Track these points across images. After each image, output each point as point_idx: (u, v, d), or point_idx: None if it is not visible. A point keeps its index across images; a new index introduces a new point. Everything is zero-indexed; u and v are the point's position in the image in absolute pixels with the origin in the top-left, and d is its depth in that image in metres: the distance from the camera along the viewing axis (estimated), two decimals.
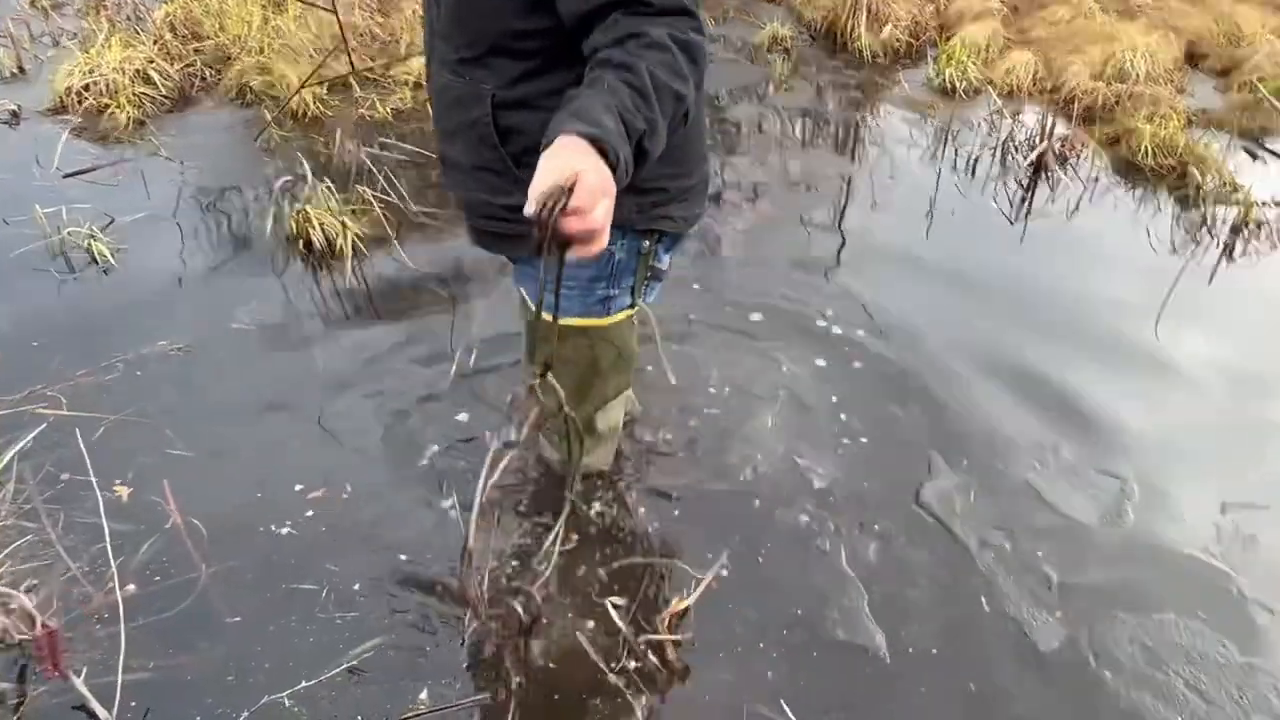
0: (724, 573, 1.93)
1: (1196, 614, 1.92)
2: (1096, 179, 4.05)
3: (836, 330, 2.81)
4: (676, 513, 2.12)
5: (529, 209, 1.01)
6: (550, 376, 1.28)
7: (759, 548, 2.03)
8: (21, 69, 4.45)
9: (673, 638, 1.76)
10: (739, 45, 5.94)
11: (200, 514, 2.00)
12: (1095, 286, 3.19)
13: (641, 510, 2.11)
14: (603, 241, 1.04)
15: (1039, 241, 3.53)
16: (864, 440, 2.38)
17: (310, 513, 2.06)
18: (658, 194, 1.53)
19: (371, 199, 3.21)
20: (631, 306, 1.68)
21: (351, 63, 4.18)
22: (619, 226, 1.47)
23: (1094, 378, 2.67)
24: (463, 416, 2.37)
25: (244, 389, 2.43)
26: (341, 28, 2.09)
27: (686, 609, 1.79)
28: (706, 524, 2.09)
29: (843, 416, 2.45)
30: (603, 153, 1.04)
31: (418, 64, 4.44)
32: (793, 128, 4.58)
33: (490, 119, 1.41)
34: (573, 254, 1.04)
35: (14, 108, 3.98)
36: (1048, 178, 4.08)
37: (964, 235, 3.54)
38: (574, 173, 0.99)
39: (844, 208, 3.72)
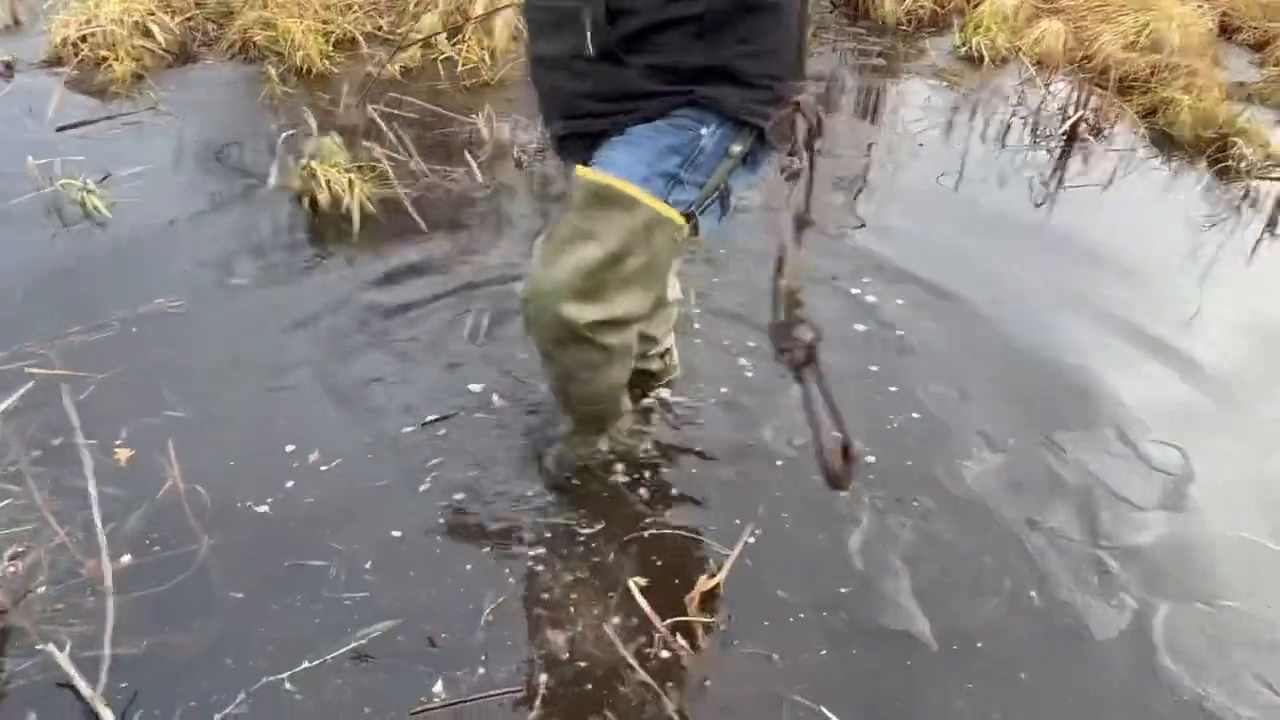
0: (755, 549, 1.80)
1: (1264, 602, 1.80)
2: (1132, 150, 3.90)
3: (870, 298, 2.68)
4: (704, 483, 1.99)
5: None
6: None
7: (792, 523, 1.90)
8: (17, 20, 4.29)
9: (703, 619, 1.64)
10: None
11: (199, 480, 1.88)
12: (1132, 260, 3.05)
13: (668, 480, 1.98)
14: None
15: (1071, 213, 3.39)
16: (904, 413, 2.24)
17: (314, 481, 1.94)
18: (763, 91, 1.46)
19: (381, 155, 3.07)
20: (687, 217, 1.53)
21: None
22: (716, 111, 1.46)
23: (1139, 356, 2.54)
24: (474, 386, 2.24)
25: (244, 349, 2.30)
26: None
27: (716, 587, 1.67)
28: (737, 496, 1.96)
29: (881, 387, 2.32)
30: None
31: (428, 20, 4.27)
32: (816, 96, 4.42)
33: None
34: None
35: (8, 59, 3.82)
36: (1081, 148, 3.93)
37: (994, 206, 3.40)
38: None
39: (870, 177, 3.57)
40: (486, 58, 4.16)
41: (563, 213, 1.56)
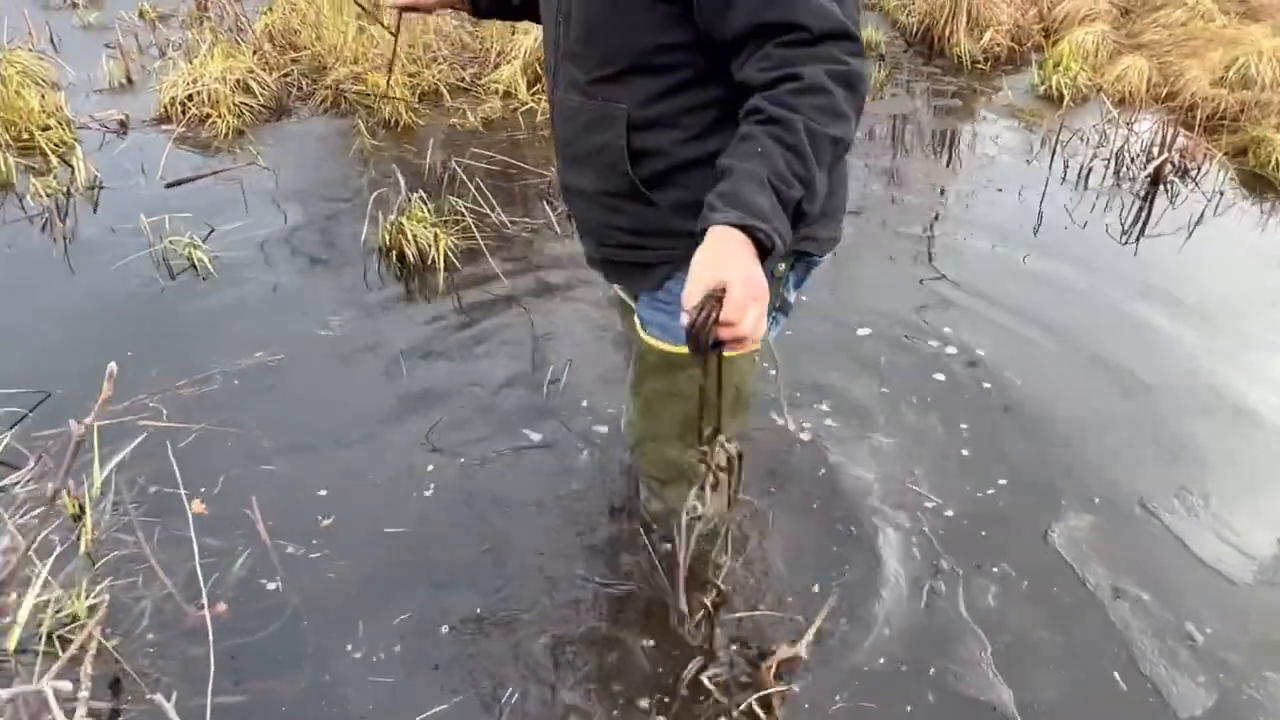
0: (831, 616, 1.81)
1: None
2: (1221, 193, 3.79)
3: (950, 350, 2.67)
4: (780, 543, 2.01)
5: (683, 320, 1.06)
6: (721, 439, 1.30)
7: (870, 587, 1.90)
8: (130, 79, 4.59)
9: (780, 688, 1.65)
10: None
11: (292, 530, 1.98)
12: (1223, 309, 2.96)
13: (741, 539, 2.00)
14: (756, 340, 1.07)
15: (1158, 260, 3.30)
16: (985, 471, 2.23)
17: (403, 532, 2.02)
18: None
19: (463, 209, 3.18)
20: (780, 313, 1.55)
21: (388, 78, 4.16)
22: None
23: (1235, 417, 2.46)
24: (551, 434, 2.30)
25: (337, 401, 2.41)
26: (395, 46, 2.06)
27: (796, 656, 1.68)
28: (813, 558, 1.97)
29: (961, 445, 2.31)
30: (758, 241, 1.05)
31: (508, 72, 4.42)
32: (889, 137, 4.42)
33: (624, 141, 1.32)
34: (728, 350, 1.08)
35: (122, 117, 4.09)
36: (1166, 190, 3.84)
37: (1076, 252, 3.33)
38: (722, 283, 1.03)
39: (946, 221, 3.55)
40: None
41: (638, 365, 1.60)
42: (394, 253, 3.01)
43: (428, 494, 2.12)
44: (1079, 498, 2.15)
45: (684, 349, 1.44)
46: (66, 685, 1.20)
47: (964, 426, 2.37)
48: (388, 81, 4.12)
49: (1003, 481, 2.19)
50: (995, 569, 1.95)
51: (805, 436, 2.31)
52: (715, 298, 1.03)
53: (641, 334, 1.55)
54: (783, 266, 1.45)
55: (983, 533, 2.05)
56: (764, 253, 1.07)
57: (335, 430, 2.31)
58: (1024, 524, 2.07)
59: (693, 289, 1.05)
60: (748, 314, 1.04)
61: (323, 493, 2.11)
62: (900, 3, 6.21)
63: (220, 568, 1.91)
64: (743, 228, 1.05)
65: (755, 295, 1.05)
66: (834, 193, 1.45)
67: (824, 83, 1.11)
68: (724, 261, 1.05)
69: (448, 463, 2.21)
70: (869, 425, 2.37)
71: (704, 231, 1.08)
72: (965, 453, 2.29)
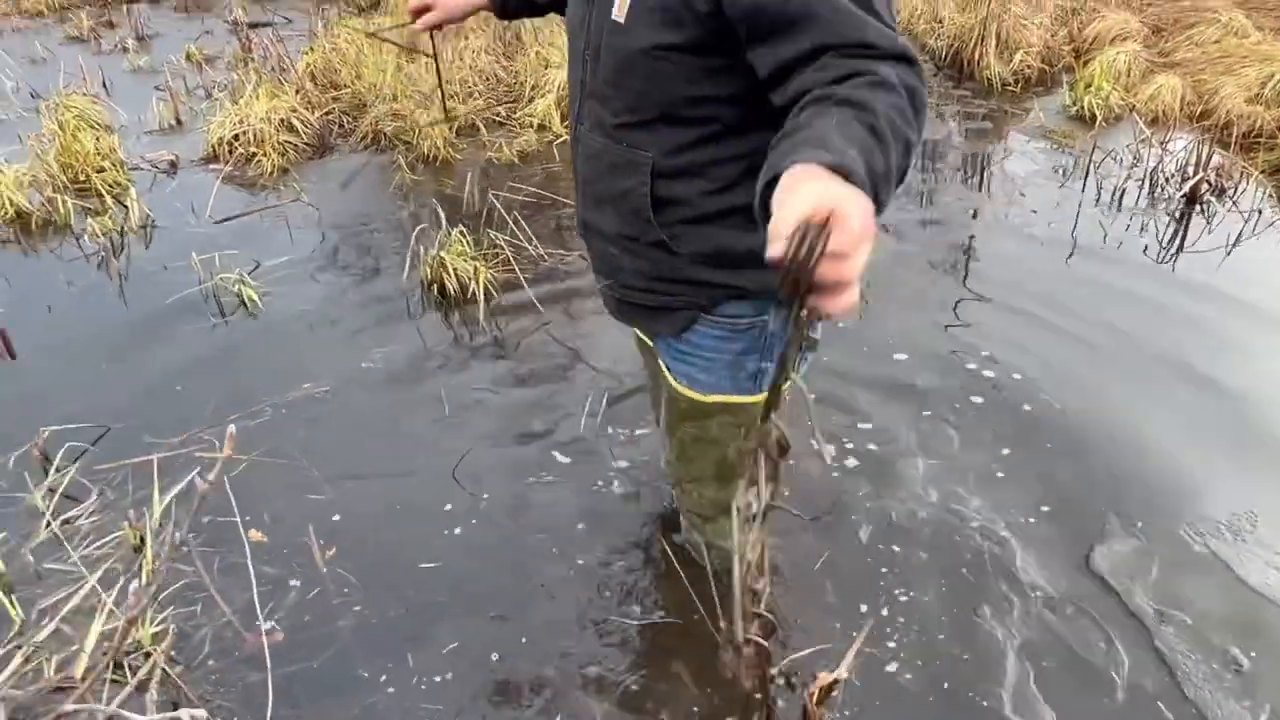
0: (875, 640, 1.83)
1: None
2: (1259, 211, 3.76)
3: (988, 373, 2.68)
4: (818, 565, 2.03)
5: (773, 250, 0.78)
6: (774, 420, 1.07)
7: (912, 610, 1.92)
8: (179, 120, 4.76)
9: (822, 712, 1.67)
10: None
11: (342, 558, 2.03)
12: (1266, 328, 2.94)
13: (779, 558, 2.03)
14: (854, 297, 0.79)
15: (1195, 279, 3.29)
16: (1027, 493, 2.24)
17: (448, 562, 2.07)
18: None
19: (501, 242, 3.26)
20: (785, 381, 1.58)
21: (444, 106, 4.27)
22: (763, 297, 1.38)
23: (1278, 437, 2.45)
24: (590, 465, 2.35)
25: (382, 431, 2.48)
26: (439, 67, 2.12)
27: (835, 682, 1.70)
28: (853, 580, 1.99)
29: (1002, 468, 2.32)
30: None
31: (542, 105, 4.52)
32: (921, 161, 4.44)
33: (647, 188, 1.31)
34: (820, 314, 0.80)
35: (172, 158, 4.24)
36: (1203, 210, 3.82)
37: (1112, 273, 3.33)
38: (832, 206, 0.76)
39: (980, 243, 3.56)
40: None
41: (669, 409, 1.59)
42: (435, 285, 3.09)
43: (473, 523, 2.17)
44: (1123, 520, 2.15)
45: (715, 397, 1.48)
46: (202, 713, 1.26)
47: (1005, 450, 2.38)
48: (444, 107, 4.23)
49: (1045, 505, 2.20)
50: (1037, 592, 1.95)
51: (848, 462, 2.33)
52: (822, 226, 0.75)
53: (670, 381, 1.54)
54: (768, 317, 1.41)
55: (1026, 555, 2.05)
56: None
57: (381, 460, 2.37)
58: (1067, 547, 2.08)
59: (785, 214, 0.78)
60: (861, 249, 0.77)
61: (370, 522, 2.17)
62: (929, 26, 6.26)
63: (276, 596, 1.97)
64: (839, 170, 0.82)
65: (870, 233, 0.78)
66: None
67: (896, 84, 0.99)
68: (829, 188, 0.80)
69: (490, 493, 2.26)
70: (909, 449, 2.39)
71: (777, 175, 0.85)
72: (1006, 475, 2.30)
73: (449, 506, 2.22)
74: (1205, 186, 3.87)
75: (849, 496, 2.24)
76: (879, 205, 0.88)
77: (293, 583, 2.00)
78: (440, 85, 2.39)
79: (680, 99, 1.24)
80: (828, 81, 1.01)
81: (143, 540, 2.02)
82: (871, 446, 2.39)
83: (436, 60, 2.09)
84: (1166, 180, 3.97)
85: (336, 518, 2.18)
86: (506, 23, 4.41)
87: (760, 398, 1.46)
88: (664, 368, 1.56)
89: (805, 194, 0.79)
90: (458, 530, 2.15)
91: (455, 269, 3.06)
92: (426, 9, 1.70)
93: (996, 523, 2.15)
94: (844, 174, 0.82)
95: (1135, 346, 2.84)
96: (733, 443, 1.53)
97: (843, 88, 0.99)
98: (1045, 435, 2.44)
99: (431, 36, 1.85)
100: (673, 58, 1.20)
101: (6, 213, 3.63)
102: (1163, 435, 2.44)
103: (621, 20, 1.22)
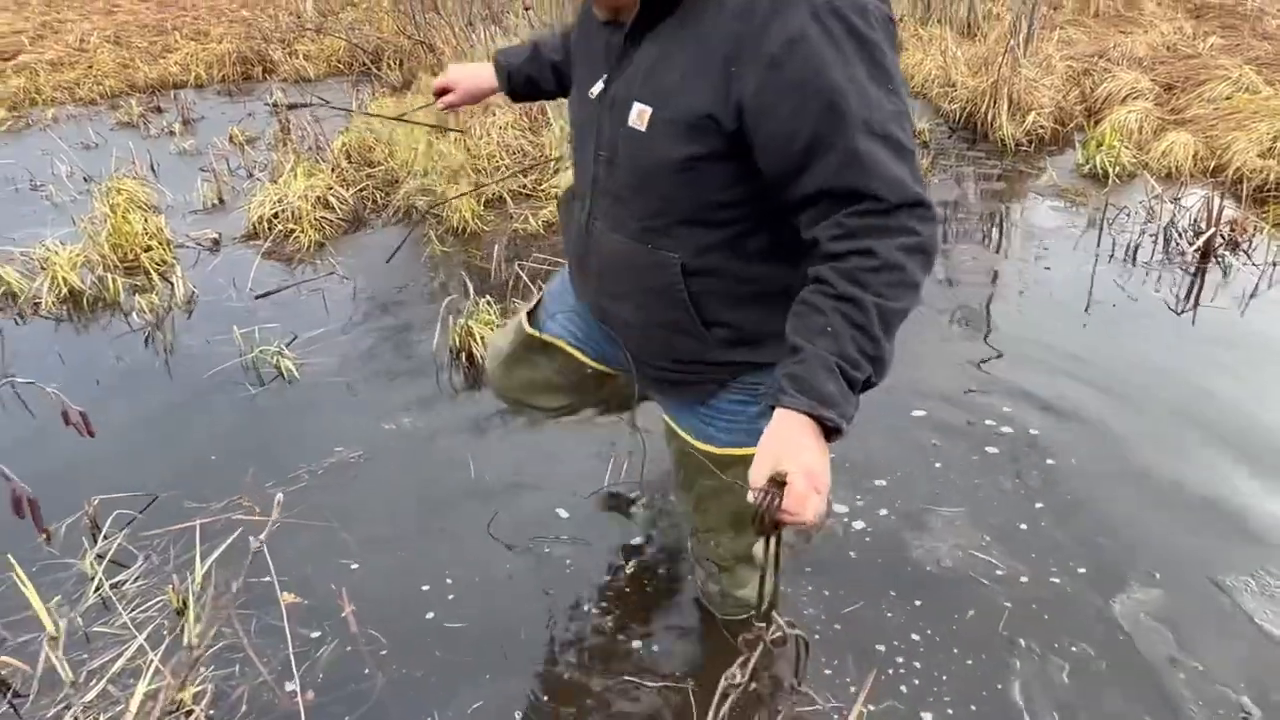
0: (909, 690, 1.86)
1: None
2: (1275, 264, 3.80)
3: (1006, 429, 2.73)
4: (837, 619, 2.07)
5: (749, 496, 1.10)
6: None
7: (932, 662, 1.95)
8: (221, 199, 4.99)
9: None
10: None
11: (372, 619, 2.11)
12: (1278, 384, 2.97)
13: (803, 613, 2.07)
14: (817, 517, 1.08)
15: (1212, 333, 3.32)
16: (1047, 546, 2.28)
17: (475, 622, 2.13)
18: None
19: None
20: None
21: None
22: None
23: None
24: (614, 526, 2.41)
25: (411, 495, 2.57)
26: (461, 128, 2.27)
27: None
28: (871, 633, 2.02)
29: (1021, 520, 2.37)
30: (825, 426, 1.09)
31: (566, 178, 4.70)
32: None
33: (682, 288, 1.33)
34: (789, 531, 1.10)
35: (215, 235, 4.45)
36: (1218, 263, 3.86)
37: (1129, 326, 3.38)
38: (784, 473, 1.07)
39: (997, 301, 3.63)
40: None
41: (684, 465, 1.65)
42: (463, 353, 3.21)
43: (499, 584, 2.24)
44: (1143, 573, 2.17)
45: (729, 450, 1.55)
46: None
47: (1025, 503, 2.42)
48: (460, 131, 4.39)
49: (1066, 558, 2.23)
50: (1056, 644, 1.98)
51: (868, 515, 2.38)
52: (779, 484, 1.08)
53: (687, 439, 1.58)
54: None
55: (1047, 607, 2.08)
56: (829, 434, 1.11)
57: (410, 522, 2.46)
58: (1088, 599, 2.11)
59: (759, 469, 1.09)
60: (809, 505, 1.07)
61: (399, 583, 2.25)
62: (942, 90, 6.41)
63: (310, 656, 2.04)
64: (810, 415, 1.08)
65: (817, 486, 1.07)
66: None
67: (897, 259, 1.10)
68: (790, 450, 1.08)
69: (517, 554, 2.33)
70: (928, 502, 2.44)
71: (773, 407, 1.11)
72: (1026, 528, 2.33)
73: (476, 567, 2.29)
74: (1219, 241, 3.92)
75: (867, 550, 2.28)
76: (868, 384, 1.14)
77: (326, 643, 2.08)
78: (460, 129, 2.43)
79: (710, 203, 1.26)
80: (833, 253, 1.13)
81: (185, 604, 2.11)
82: (893, 501, 2.44)
83: (462, 133, 2.24)
84: (1180, 235, 4.03)
85: (366, 579, 2.26)
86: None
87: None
88: (678, 429, 1.60)
89: (769, 454, 1.09)
90: (484, 591, 2.22)
91: (482, 337, 3.18)
92: (447, 90, 1.85)
93: (1017, 575, 2.18)
94: (817, 417, 1.08)
95: (1155, 401, 2.87)
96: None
97: (842, 276, 1.11)
98: (1065, 489, 2.48)
99: (456, 114, 2.00)
100: (701, 167, 1.22)
101: (61, 292, 3.83)
102: (1183, 488, 2.47)
103: (642, 129, 1.24)
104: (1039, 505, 2.42)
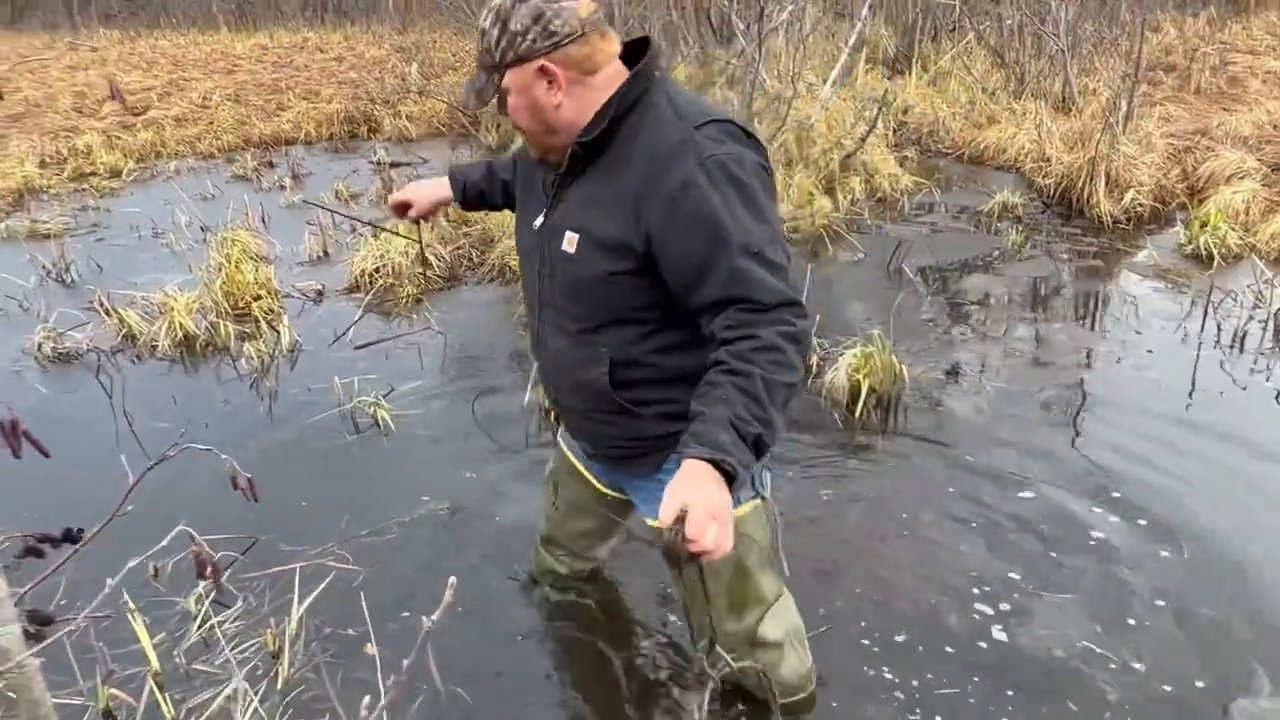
0: None
1: None
2: None
3: (1113, 518, 2.65)
4: (938, 712, 2.00)
5: (660, 533, 1.26)
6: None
7: None
8: (326, 252, 5.23)
9: None
10: (967, 214, 5.95)
11: (457, 673, 2.13)
12: None
13: (895, 695, 2.02)
14: (725, 549, 1.25)
15: None
16: (1164, 639, 2.19)
17: (552, 679, 2.14)
18: None
19: None
20: (756, 497, 1.75)
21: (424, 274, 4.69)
22: None
23: None
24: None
25: (495, 546, 2.60)
26: (422, 246, 2.45)
27: None
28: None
29: (1135, 611, 2.28)
30: (722, 469, 1.26)
31: None
32: (1030, 298, 4.46)
33: (607, 375, 1.59)
34: (705, 559, 1.24)
35: (319, 287, 4.66)
36: None
37: (1236, 415, 3.25)
38: (686, 508, 1.23)
39: (1095, 384, 3.53)
40: None
41: (669, 561, 1.81)
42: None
43: (579, 641, 2.24)
44: (1270, 674, 2.06)
45: None
46: None
47: (1136, 595, 2.34)
48: (424, 261, 4.66)
49: (1180, 657, 2.13)
50: None
51: (985, 601, 2.32)
52: (682, 520, 1.22)
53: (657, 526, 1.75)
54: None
55: (1158, 706, 1.99)
56: (729, 478, 1.27)
57: (495, 577, 2.48)
58: (1203, 704, 2.00)
59: (667, 510, 1.25)
60: (708, 531, 1.22)
61: (480, 637, 2.27)
62: (1036, 165, 6.36)
63: (395, 708, 2.07)
64: (710, 461, 1.27)
65: (715, 515, 1.23)
66: None
67: (777, 342, 1.35)
68: (691, 489, 1.25)
69: (601, 609, 2.34)
70: (1038, 586, 2.37)
71: (680, 461, 1.31)
72: (1140, 618, 2.23)
73: (558, 624, 2.31)
74: None
75: (982, 634, 2.21)
76: (765, 446, 1.32)
77: (411, 699, 2.10)
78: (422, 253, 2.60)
79: (628, 307, 1.54)
80: (727, 340, 1.38)
81: (281, 648, 2.17)
82: (999, 583, 2.37)
83: (421, 248, 2.39)
84: None
85: (449, 634, 2.28)
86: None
87: (739, 510, 1.69)
88: (648, 520, 1.77)
89: (674, 496, 1.24)
90: (564, 648, 2.23)
91: None
92: (407, 205, 2.05)
93: (1129, 670, 2.09)
94: (714, 463, 1.26)
95: (1267, 494, 2.75)
96: (729, 564, 1.72)
97: (733, 356, 1.35)
98: (1178, 583, 2.38)
99: (418, 224, 2.16)
100: (620, 280, 1.51)
101: (176, 336, 4.05)
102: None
103: (572, 251, 1.53)
104: (1151, 598, 2.32)
